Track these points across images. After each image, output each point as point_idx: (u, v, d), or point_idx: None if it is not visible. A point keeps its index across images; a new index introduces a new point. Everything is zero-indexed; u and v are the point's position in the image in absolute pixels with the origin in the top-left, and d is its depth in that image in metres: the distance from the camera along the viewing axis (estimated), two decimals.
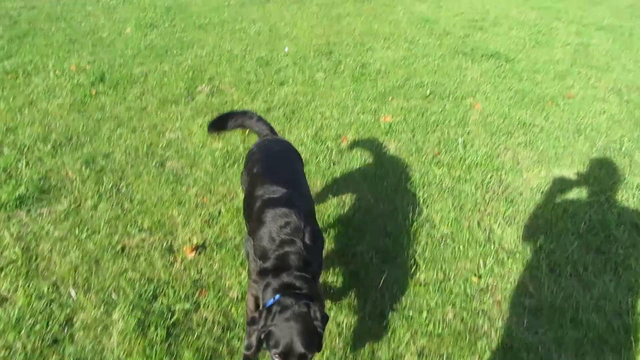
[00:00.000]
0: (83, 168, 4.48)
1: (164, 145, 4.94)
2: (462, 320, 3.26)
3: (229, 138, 5.02)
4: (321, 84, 6.59)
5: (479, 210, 4.31)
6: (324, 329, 2.41)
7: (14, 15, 8.56)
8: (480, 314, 3.32)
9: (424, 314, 3.27)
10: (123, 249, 3.63)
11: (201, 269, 3.50)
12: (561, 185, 4.73)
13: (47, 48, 7.18)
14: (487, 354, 3.05)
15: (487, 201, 4.43)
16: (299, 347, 2.27)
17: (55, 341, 2.87)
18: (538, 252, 3.84)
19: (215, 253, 3.63)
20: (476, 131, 5.61)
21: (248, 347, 2.66)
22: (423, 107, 6.09)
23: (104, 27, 8.33)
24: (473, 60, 7.87)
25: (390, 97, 6.31)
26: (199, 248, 3.66)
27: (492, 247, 3.89)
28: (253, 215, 2.84)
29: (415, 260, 3.70)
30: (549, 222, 4.19)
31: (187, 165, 4.65)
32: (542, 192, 4.61)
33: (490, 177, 4.76)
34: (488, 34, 9.26)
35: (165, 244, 3.70)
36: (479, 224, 4.14)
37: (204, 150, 4.88)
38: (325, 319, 2.44)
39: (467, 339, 3.13)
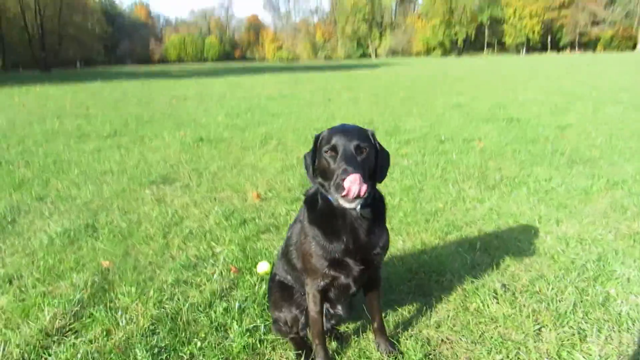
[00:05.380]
0: (190, 172, 6.51)
1: (242, 164, 6.97)
2: None
3: (284, 161, 7.04)
4: None
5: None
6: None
7: (140, 114, 12.81)
8: None
9: None
10: (215, 198, 5.41)
11: (261, 204, 5.14)
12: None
13: (163, 128, 10.37)
14: None
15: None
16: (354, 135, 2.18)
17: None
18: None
19: (267, 201, 5.27)
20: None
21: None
22: (436, 146, 7.81)
23: (202, 117, 11.85)
24: (487, 122, 10.20)
25: (411, 142, 8.12)
26: (261, 198, 5.34)
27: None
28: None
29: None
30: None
31: (255, 172, 6.48)
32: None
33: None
34: (509, 109, 11.62)
35: (242, 195, 5.49)
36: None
37: (269, 166, 6.79)
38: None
39: None
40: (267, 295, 2.90)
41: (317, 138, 2.36)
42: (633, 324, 2.77)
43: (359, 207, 2.20)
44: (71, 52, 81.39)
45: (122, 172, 6.55)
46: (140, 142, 8.75)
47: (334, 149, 2.21)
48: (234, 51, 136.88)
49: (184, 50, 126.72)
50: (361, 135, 2.27)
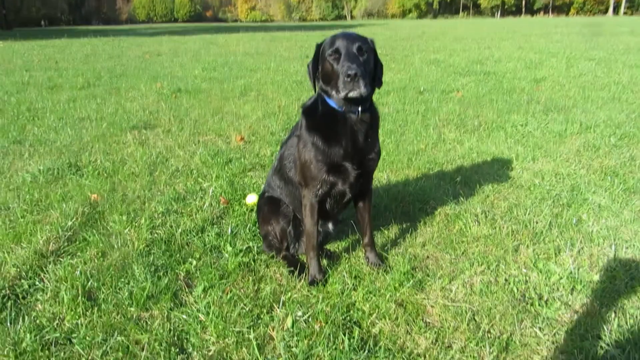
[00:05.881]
0: (171, 118, 6.46)
1: (224, 112, 6.90)
2: None
3: (266, 109, 7.06)
4: None
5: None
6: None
7: (113, 67, 12.57)
8: None
9: None
10: (199, 141, 5.40)
11: (245, 146, 5.16)
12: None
13: (138, 80, 10.08)
14: None
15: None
16: (355, 38, 2.28)
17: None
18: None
19: (250, 144, 5.25)
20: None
21: None
22: (416, 96, 7.86)
23: (177, 71, 11.59)
24: (464, 75, 10.43)
25: (391, 93, 8.15)
26: (245, 141, 5.36)
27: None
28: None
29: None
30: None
31: (237, 119, 6.47)
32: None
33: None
34: (486, 65, 11.87)
35: (225, 139, 5.49)
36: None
37: (251, 113, 6.77)
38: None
39: None
40: (256, 216, 2.96)
41: (318, 46, 2.40)
42: (604, 241, 2.97)
43: (360, 109, 2.31)
44: (34, 11, 77.52)
45: (101, 119, 6.42)
46: (116, 93, 8.55)
47: (337, 51, 2.29)
48: (205, 12, 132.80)
49: (152, 9, 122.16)
50: (362, 40, 2.35)
